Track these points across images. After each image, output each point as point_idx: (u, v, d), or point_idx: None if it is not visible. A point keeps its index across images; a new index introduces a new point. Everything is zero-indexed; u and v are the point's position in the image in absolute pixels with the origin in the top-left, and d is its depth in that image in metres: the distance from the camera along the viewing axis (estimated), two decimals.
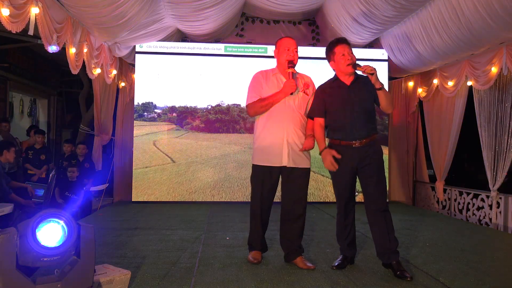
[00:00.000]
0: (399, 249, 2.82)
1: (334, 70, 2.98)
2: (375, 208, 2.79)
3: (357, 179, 2.94)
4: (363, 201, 2.93)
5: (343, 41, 2.93)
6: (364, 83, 2.87)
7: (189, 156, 6.51)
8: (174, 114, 6.53)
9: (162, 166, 6.41)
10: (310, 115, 3.00)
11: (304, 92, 2.99)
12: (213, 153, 6.56)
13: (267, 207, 3.01)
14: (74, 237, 1.87)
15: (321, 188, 6.50)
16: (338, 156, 2.82)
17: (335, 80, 2.96)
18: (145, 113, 6.48)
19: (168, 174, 6.38)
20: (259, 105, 2.93)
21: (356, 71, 2.86)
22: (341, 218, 2.97)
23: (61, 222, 1.86)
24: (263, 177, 2.95)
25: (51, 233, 1.82)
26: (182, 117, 6.54)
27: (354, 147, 2.82)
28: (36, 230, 1.77)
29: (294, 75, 2.94)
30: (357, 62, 2.83)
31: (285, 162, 2.90)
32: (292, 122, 2.91)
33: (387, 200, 2.98)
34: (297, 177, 2.94)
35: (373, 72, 2.69)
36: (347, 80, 2.90)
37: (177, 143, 6.53)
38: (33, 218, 1.79)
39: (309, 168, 3.00)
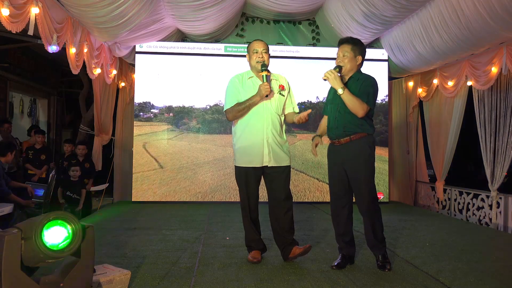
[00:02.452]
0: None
1: None
2: (361, 207, 2.91)
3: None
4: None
5: (340, 42, 3.02)
6: (356, 85, 2.90)
7: (178, 161, 6.32)
8: (171, 114, 6.46)
9: (144, 174, 6.23)
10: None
11: (279, 93, 3.07)
12: (207, 157, 6.35)
13: (255, 205, 3.11)
14: (80, 238, 1.89)
15: (324, 191, 6.49)
16: (316, 145, 3.09)
17: None
18: (141, 113, 6.41)
19: (151, 181, 6.21)
20: (237, 110, 3.02)
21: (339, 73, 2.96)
22: (333, 215, 3.05)
23: (68, 223, 1.87)
24: (247, 177, 3.05)
25: (57, 234, 1.83)
26: (179, 117, 6.47)
27: (335, 145, 2.97)
28: (43, 232, 1.77)
29: (268, 77, 2.99)
30: (340, 66, 2.95)
31: (266, 162, 3.00)
32: (270, 123, 3.01)
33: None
34: (280, 176, 3.03)
35: (325, 78, 2.86)
36: (344, 80, 2.97)
37: (169, 146, 6.39)
38: (39, 219, 1.79)
39: (290, 165, 3.10)
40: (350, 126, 2.88)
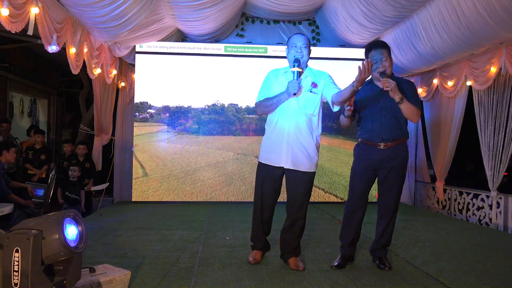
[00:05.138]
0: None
1: None
2: (386, 209, 2.95)
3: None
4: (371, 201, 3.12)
5: (377, 46, 2.93)
6: (400, 89, 2.86)
7: (166, 167, 6.16)
8: (167, 115, 6.39)
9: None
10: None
11: (310, 91, 2.86)
12: (200, 162, 6.22)
13: (268, 206, 2.96)
14: (86, 235, 1.97)
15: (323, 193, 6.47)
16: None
17: (369, 83, 3.00)
18: (137, 113, 6.33)
19: (152, 180, 6.17)
20: (264, 105, 2.91)
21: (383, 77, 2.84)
22: (348, 214, 3.02)
23: (77, 222, 1.95)
24: (264, 175, 2.94)
25: (71, 233, 1.90)
26: (175, 117, 6.40)
27: (379, 148, 2.89)
28: (65, 231, 1.83)
29: (298, 74, 2.80)
30: (385, 72, 2.85)
31: (283, 162, 2.85)
32: (294, 123, 2.83)
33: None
34: (297, 182, 2.86)
35: (387, 90, 2.75)
36: (380, 84, 2.89)
37: (162, 148, 6.29)
38: (58, 219, 1.83)
39: (312, 172, 2.89)
40: (395, 131, 2.88)
